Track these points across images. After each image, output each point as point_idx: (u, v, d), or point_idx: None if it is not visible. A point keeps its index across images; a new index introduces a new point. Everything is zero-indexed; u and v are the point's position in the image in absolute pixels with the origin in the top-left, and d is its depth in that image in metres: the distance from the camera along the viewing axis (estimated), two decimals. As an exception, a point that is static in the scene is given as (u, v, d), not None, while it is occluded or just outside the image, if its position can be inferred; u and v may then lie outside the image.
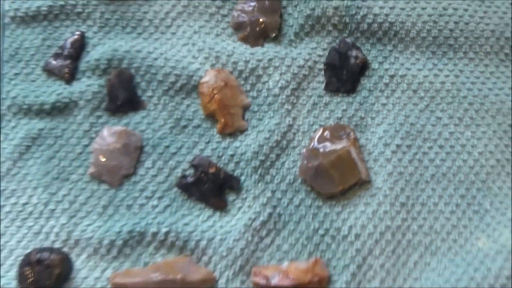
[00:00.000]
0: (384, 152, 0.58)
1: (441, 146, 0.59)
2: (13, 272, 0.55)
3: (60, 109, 0.61)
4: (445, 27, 0.62)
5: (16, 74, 0.62)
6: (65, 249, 0.56)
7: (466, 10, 0.62)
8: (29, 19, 0.64)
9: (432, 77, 0.61)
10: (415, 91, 0.60)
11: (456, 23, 0.62)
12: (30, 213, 0.57)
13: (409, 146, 0.58)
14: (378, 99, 0.61)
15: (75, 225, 0.57)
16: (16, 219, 0.57)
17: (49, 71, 0.62)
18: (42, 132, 0.60)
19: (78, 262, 0.56)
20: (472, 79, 0.61)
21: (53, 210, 0.57)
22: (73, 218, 0.57)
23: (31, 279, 0.54)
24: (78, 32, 0.63)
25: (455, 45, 0.62)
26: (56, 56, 0.62)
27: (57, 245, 0.56)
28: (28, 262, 0.54)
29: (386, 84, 0.61)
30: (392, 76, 0.61)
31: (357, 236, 0.56)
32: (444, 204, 0.57)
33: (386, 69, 0.61)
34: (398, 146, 0.58)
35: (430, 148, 0.59)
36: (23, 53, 0.63)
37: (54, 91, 0.61)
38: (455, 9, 0.62)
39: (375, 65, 0.62)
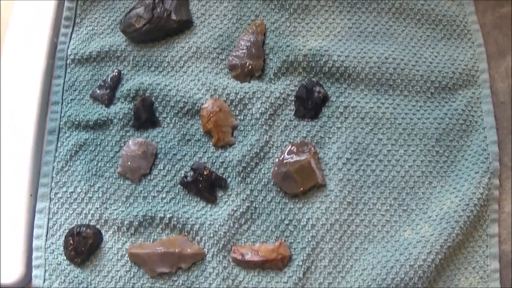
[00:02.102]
0: (337, 163, 0.69)
1: (380, 160, 0.69)
2: (61, 241, 0.68)
3: (100, 125, 0.72)
4: (386, 71, 0.71)
5: (72, 99, 0.74)
6: (97, 226, 0.68)
7: (402, 59, 0.72)
8: (83, 60, 0.75)
9: (376, 108, 0.70)
10: (362, 118, 0.70)
11: (394, 68, 0.71)
12: (75, 199, 0.70)
13: (356, 159, 0.69)
14: (334, 123, 0.70)
15: (105, 209, 0.69)
16: (65, 202, 0.70)
17: (94, 98, 0.74)
18: (87, 141, 0.72)
19: (106, 236, 0.68)
20: (406, 111, 0.71)
21: (90, 198, 0.70)
22: (104, 204, 0.69)
23: (72, 246, 0.67)
24: (116, 70, 0.74)
25: (394, 85, 0.71)
26: (100, 87, 0.74)
27: (92, 223, 0.69)
28: (71, 233, 0.67)
29: (341, 113, 0.71)
30: (345, 107, 0.71)
31: (313, 226, 0.67)
32: (380, 204, 0.67)
33: (341, 101, 0.71)
34: (347, 159, 0.69)
35: (372, 161, 0.69)
36: (78, 85, 0.75)
37: (96, 111, 0.73)
38: (394, 58, 0.72)
39: (333, 98, 0.71)
